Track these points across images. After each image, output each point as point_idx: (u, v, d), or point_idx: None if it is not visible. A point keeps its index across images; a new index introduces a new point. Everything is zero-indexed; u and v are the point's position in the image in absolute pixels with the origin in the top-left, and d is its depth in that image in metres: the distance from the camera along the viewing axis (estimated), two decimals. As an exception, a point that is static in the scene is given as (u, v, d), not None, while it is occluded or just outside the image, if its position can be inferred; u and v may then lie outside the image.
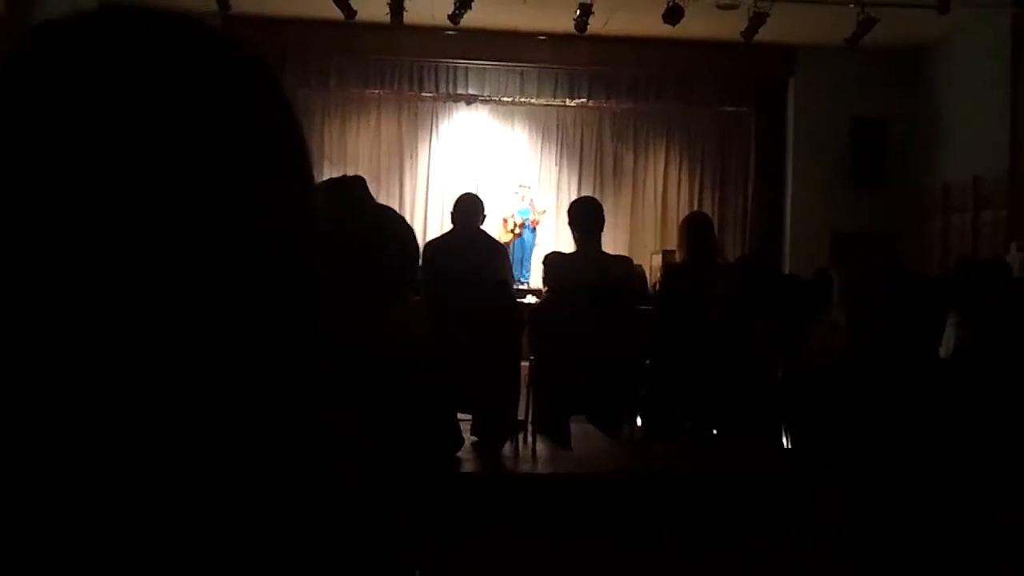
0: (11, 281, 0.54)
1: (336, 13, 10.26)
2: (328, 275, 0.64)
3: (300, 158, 0.65)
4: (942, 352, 5.47)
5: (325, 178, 3.97)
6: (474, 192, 6.22)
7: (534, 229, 12.16)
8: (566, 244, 10.23)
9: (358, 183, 4.06)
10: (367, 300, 3.40)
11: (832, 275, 6.13)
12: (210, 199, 0.57)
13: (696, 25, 10.55)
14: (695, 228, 6.18)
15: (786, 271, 9.88)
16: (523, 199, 12.22)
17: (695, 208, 11.93)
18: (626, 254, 10.47)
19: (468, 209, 5.97)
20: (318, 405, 0.67)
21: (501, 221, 11.66)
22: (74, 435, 0.55)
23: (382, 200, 4.02)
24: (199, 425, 0.57)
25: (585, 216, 5.89)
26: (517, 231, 11.94)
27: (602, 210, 6.00)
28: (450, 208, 6.24)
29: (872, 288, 5.06)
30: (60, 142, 0.55)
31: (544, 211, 12.31)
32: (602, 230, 5.94)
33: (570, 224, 6.00)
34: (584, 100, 12.91)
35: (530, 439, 5.71)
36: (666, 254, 9.99)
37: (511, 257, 10.02)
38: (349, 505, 0.65)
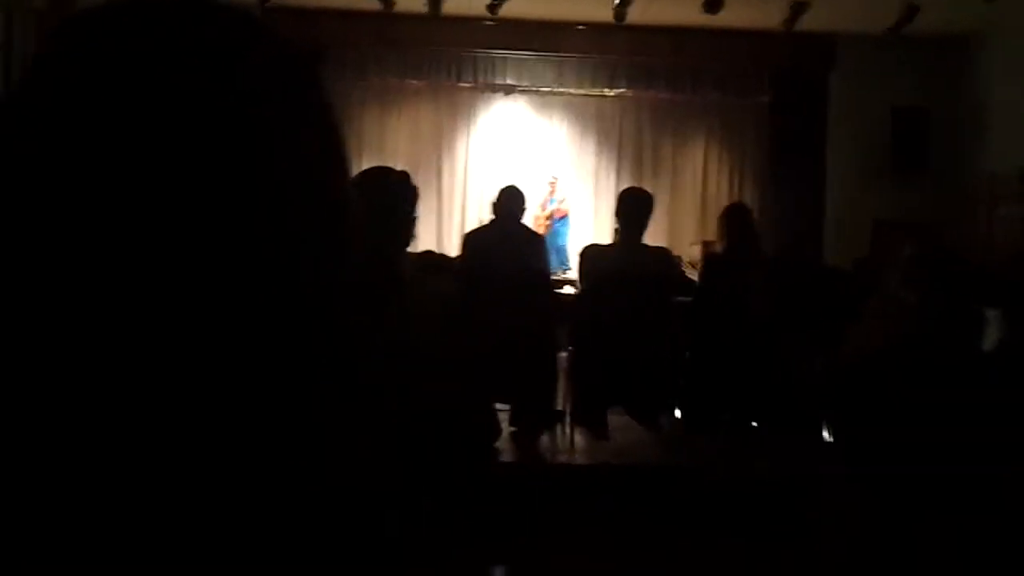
0: (44, 271, 0.54)
1: (374, 4, 10.28)
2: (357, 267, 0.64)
3: (335, 157, 0.64)
4: (986, 346, 5.40)
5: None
6: (516, 184, 6.22)
7: (563, 219, 12.12)
8: (602, 235, 10.20)
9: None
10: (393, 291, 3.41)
11: (877, 265, 6.07)
12: (238, 197, 0.56)
13: (736, 14, 10.46)
14: (735, 219, 6.14)
15: (826, 262, 9.79)
16: (552, 191, 12.20)
17: (734, 198, 11.84)
18: (665, 244, 10.44)
19: (509, 201, 5.98)
20: (342, 398, 0.66)
21: (537, 210, 11.65)
22: (89, 430, 0.54)
23: (421, 190, 4.03)
24: (220, 419, 0.56)
25: (630, 207, 5.89)
26: (548, 222, 11.92)
27: (650, 203, 5.98)
28: (487, 199, 6.25)
29: (926, 275, 5.01)
30: (87, 137, 0.55)
31: (563, 199, 12.24)
32: (646, 223, 5.92)
33: (616, 213, 6.00)
34: (623, 90, 12.83)
35: (568, 430, 5.71)
36: (705, 244, 9.93)
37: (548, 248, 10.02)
38: (366, 501, 0.65)
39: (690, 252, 11.04)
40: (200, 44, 0.59)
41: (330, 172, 0.63)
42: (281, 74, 0.62)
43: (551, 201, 12.11)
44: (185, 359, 0.55)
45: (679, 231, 12.66)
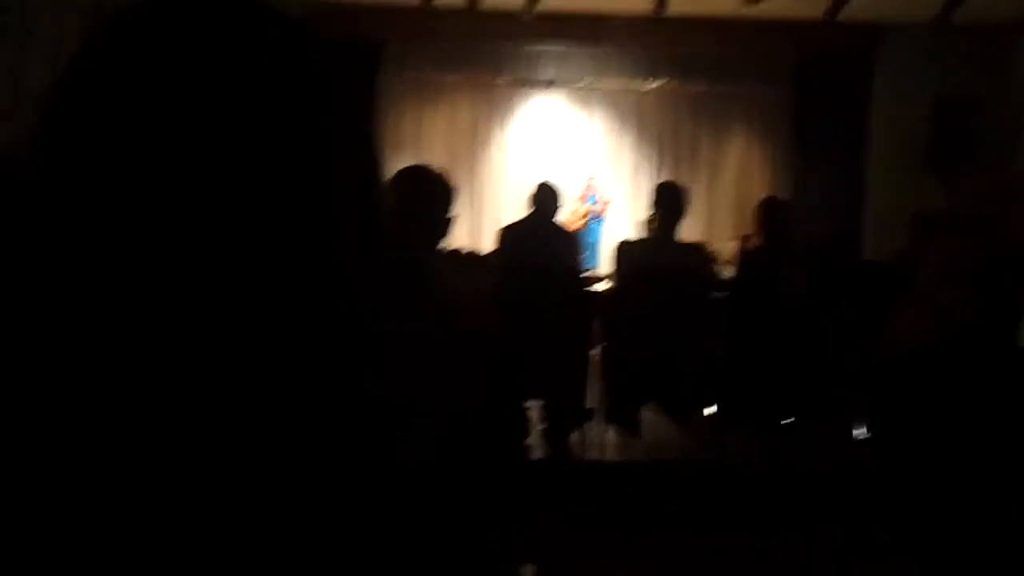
0: (88, 264, 0.55)
1: (413, -1, 10.32)
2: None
3: (373, 164, 0.65)
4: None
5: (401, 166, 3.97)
6: (552, 181, 6.20)
7: (599, 217, 12.11)
8: (641, 231, 10.15)
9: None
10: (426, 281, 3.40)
11: (916, 259, 5.97)
12: (275, 203, 0.57)
13: (778, 4, 10.36)
14: (770, 213, 6.09)
15: (867, 256, 9.67)
16: (589, 188, 12.17)
17: (772, 192, 11.75)
18: (703, 239, 10.37)
19: (545, 197, 5.98)
20: (375, 381, 0.67)
21: (573, 208, 11.64)
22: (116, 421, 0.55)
23: (457, 185, 4.05)
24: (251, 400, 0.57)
25: (667, 200, 5.85)
26: (587, 219, 11.90)
27: (685, 196, 5.94)
28: (524, 195, 6.24)
29: (974, 268, 4.92)
30: (123, 133, 0.55)
31: (609, 200, 12.22)
32: (682, 217, 5.87)
33: (653, 204, 5.97)
34: (663, 83, 12.77)
35: (600, 427, 5.69)
36: (743, 239, 9.87)
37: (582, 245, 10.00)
38: (390, 479, 0.65)
39: (728, 248, 10.97)
40: (250, 45, 0.60)
41: (368, 179, 0.64)
42: (326, 81, 0.62)
43: (590, 199, 12.08)
44: (210, 352, 0.56)
45: (717, 226, 12.57)
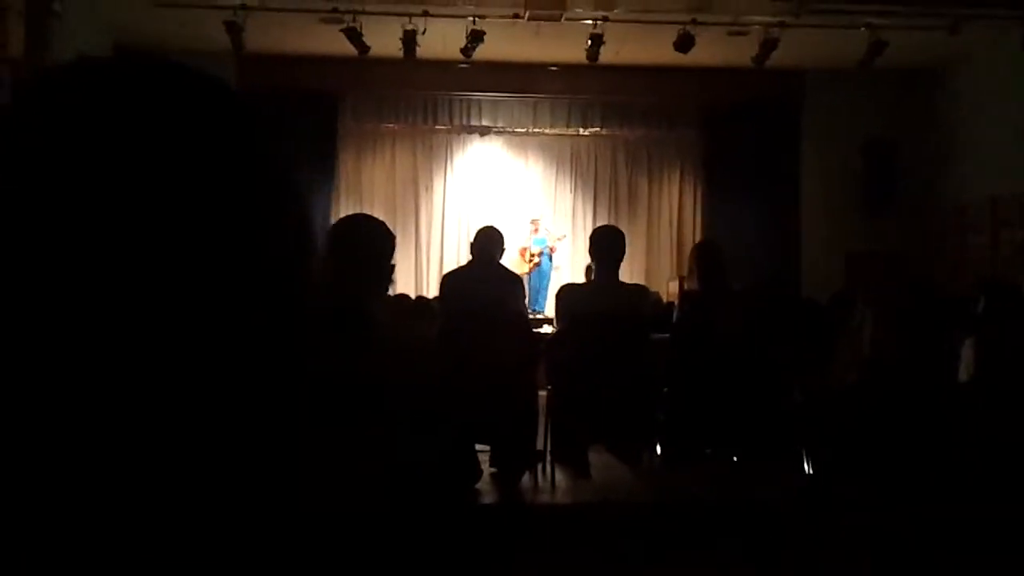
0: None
1: (349, 49, 10.35)
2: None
3: (300, 222, 0.65)
4: (961, 375, 5.45)
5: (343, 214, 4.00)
6: (494, 225, 6.25)
7: (551, 256, 12.18)
8: (583, 271, 10.24)
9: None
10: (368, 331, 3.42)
11: (852, 297, 6.11)
12: (192, 262, 0.57)
13: (707, 52, 10.59)
14: (704, 256, 6.20)
15: (802, 294, 9.86)
16: (536, 230, 12.24)
17: (711, 233, 11.94)
18: (643, 281, 10.47)
19: (487, 242, 6.00)
20: (318, 430, 0.68)
21: (519, 252, 11.69)
22: (60, 443, 0.55)
23: (398, 233, 4.08)
24: (188, 437, 0.57)
25: (603, 245, 5.91)
26: (536, 260, 11.95)
27: (622, 239, 6.00)
28: (466, 240, 6.28)
29: (898, 308, 5.06)
30: (49, 194, 0.55)
31: (563, 236, 12.31)
32: (621, 259, 5.94)
33: (590, 251, 6.03)
34: (597, 129, 12.96)
35: (549, 469, 5.71)
36: (683, 280, 10.00)
37: (529, 287, 10.04)
38: (338, 527, 0.64)
39: (668, 288, 11.10)
40: (171, 110, 0.59)
41: (296, 232, 0.64)
42: (244, 144, 0.63)
43: (536, 241, 12.13)
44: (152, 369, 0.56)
45: (656, 267, 12.75)
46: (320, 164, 11.81)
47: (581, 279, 8.33)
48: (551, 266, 12.12)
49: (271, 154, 0.64)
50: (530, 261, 11.89)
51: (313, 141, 11.56)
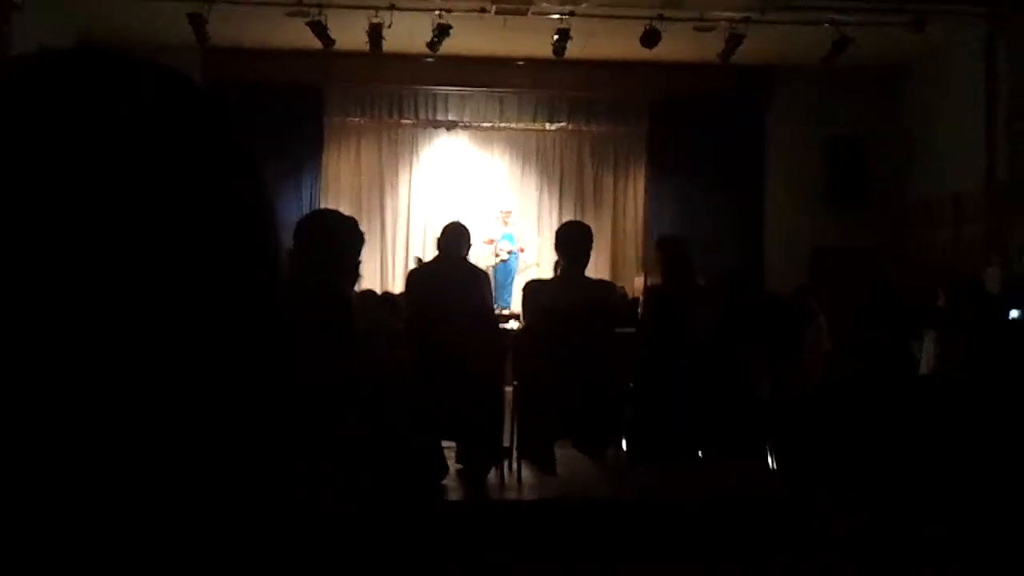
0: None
1: (314, 42, 10.30)
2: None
3: (262, 213, 0.64)
4: (923, 368, 5.51)
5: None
6: (460, 221, 6.23)
7: (519, 255, 12.16)
8: (548, 268, 10.25)
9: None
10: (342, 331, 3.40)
11: (814, 294, 6.16)
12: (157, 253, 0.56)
13: (673, 48, 10.62)
14: (668, 251, 6.21)
15: (767, 289, 9.92)
16: (505, 223, 12.21)
17: (677, 228, 11.97)
18: (608, 276, 10.49)
19: (453, 237, 5.98)
20: (289, 431, 0.67)
21: (484, 244, 11.66)
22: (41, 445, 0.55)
23: (364, 227, 4.07)
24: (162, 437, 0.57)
25: (569, 241, 5.90)
26: (504, 256, 11.92)
27: (589, 235, 5.99)
28: (432, 235, 6.26)
29: (855, 305, 5.10)
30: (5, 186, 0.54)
31: (523, 249, 12.25)
32: (588, 255, 5.93)
33: (556, 247, 6.02)
34: (564, 124, 12.97)
35: (515, 465, 5.70)
36: (647, 275, 10.02)
37: (494, 283, 10.03)
38: (303, 529, 0.65)
39: (634, 283, 11.12)
40: (130, 101, 0.59)
41: (257, 226, 0.63)
42: (204, 134, 0.62)
43: (505, 236, 12.08)
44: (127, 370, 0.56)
45: (622, 262, 12.78)
46: (290, 158, 11.72)
47: (549, 275, 8.33)
48: (518, 265, 12.09)
49: (233, 145, 0.63)
50: (496, 255, 11.86)
51: (282, 135, 11.47)
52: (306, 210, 10.40)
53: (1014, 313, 6.10)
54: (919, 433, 4.34)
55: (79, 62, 0.60)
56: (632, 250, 13.01)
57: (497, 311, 8.11)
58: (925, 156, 11.55)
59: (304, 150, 12.32)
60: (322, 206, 11.51)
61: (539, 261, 12.12)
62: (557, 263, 6.48)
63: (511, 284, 11.63)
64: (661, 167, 13.00)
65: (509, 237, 12.11)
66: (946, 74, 11.21)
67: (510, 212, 12.31)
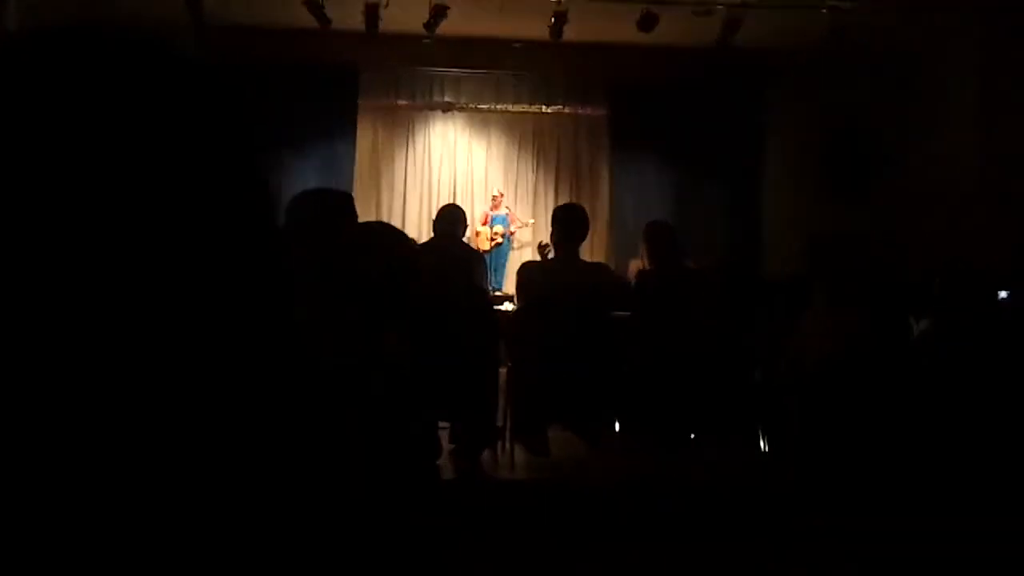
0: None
1: (311, 22, 10.25)
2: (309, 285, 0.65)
3: (255, 183, 0.64)
4: (919, 353, 5.51)
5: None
6: (457, 204, 6.24)
7: (510, 238, 12.20)
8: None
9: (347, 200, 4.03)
10: (348, 313, 3.39)
11: (810, 279, 6.15)
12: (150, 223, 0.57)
13: (671, 31, 10.58)
14: (654, 236, 6.22)
15: (764, 274, 9.93)
16: (496, 206, 12.24)
17: (677, 211, 11.98)
18: (608, 259, 10.48)
19: (449, 219, 5.99)
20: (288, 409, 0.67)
21: (479, 226, 11.68)
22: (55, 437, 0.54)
23: (360, 210, 4.05)
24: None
25: (565, 223, 5.91)
26: (498, 240, 11.95)
27: (585, 218, 6.01)
28: (427, 217, 6.26)
29: (852, 291, 5.11)
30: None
31: (518, 227, 12.30)
32: (583, 238, 5.95)
33: (552, 229, 6.03)
34: (560, 107, 12.94)
35: (508, 447, 5.71)
36: (640, 260, 10.03)
37: (488, 264, 10.04)
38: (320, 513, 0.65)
39: (631, 267, 11.12)
40: (120, 78, 0.59)
41: (249, 198, 0.63)
42: (196, 110, 0.62)
43: (496, 219, 12.12)
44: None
45: (621, 246, 12.78)
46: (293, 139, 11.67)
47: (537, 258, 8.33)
48: (510, 246, 12.12)
49: (225, 119, 0.63)
50: (491, 239, 11.88)
51: (290, 116, 11.40)
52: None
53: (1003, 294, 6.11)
54: (915, 418, 4.34)
55: (66, 40, 0.60)
56: (627, 234, 12.99)
57: (491, 293, 8.11)
58: (926, 142, 11.52)
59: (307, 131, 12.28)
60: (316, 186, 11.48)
61: (532, 244, 12.14)
62: (544, 246, 6.50)
63: (504, 266, 11.66)
64: (659, 151, 12.95)
65: (501, 219, 12.14)
66: (952, 58, 11.18)
67: (502, 195, 12.32)
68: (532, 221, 12.34)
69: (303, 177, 11.07)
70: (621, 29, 10.73)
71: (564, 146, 13.20)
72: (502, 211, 12.22)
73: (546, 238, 6.54)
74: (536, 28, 10.85)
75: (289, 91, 11.68)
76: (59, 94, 0.57)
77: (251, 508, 0.60)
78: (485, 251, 11.16)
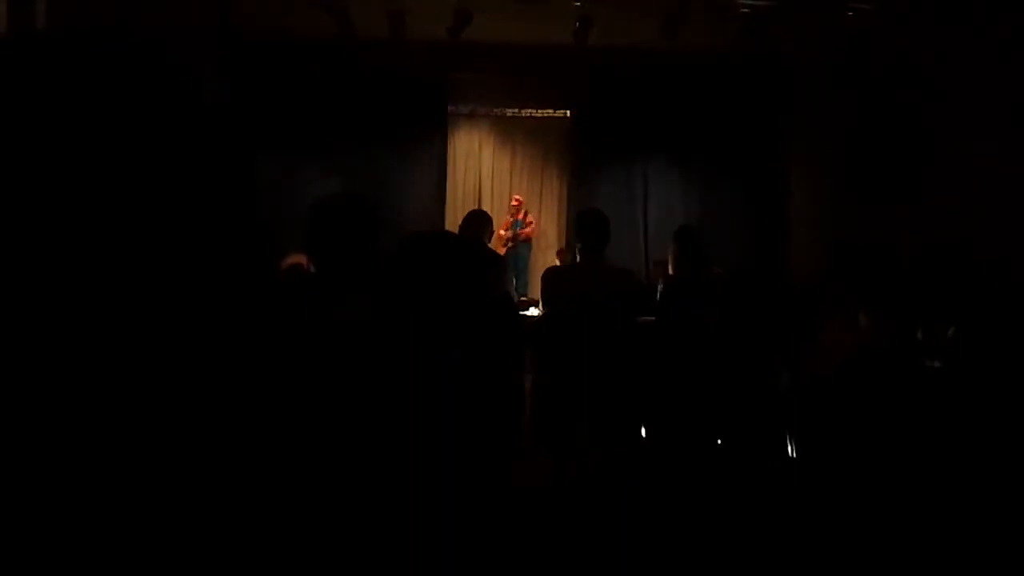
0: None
1: (334, 29, 10.29)
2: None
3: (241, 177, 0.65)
4: (944, 360, 5.47)
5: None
6: (482, 209, 6.26)
7: (528, 240, 12.18)
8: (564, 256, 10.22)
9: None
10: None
11: (835, 285, 6.13)
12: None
13: (695, 35, 10.56)
14: (682, 242, 6.20)
15: (789, 280, 9.88)
16: (516, 213, 12.25)
17: (703, 219, 11.93)
18: (637, 265, 10.45)
19: (474, 225, 6.01)
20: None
21: (503, 232, 11.69)
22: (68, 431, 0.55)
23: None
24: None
25: (588, 228, 5.90)
26: (510, 244, 11.94)
27: (607, 222, 6.01)
28: (450, 222, 6.28)
29: (877, 297, 5.07)
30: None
31: (531, 222, 12.30)
32: (606, 242, 5.94)
33: (575, 234, 6.03)
34: (584, 111, 12.92)
35: (533, 452, 5.71)
36: (664, 266, 10.00)
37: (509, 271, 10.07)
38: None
39: (655, 273, 11.09)
40: (103, 81, 0.60)
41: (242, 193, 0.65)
42: (183, 111, 0.63)
43: (517, 223, 12.13)
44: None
45: (652, 251, 12.73)
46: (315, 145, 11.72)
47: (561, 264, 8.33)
48: (529, 250, 12.12)
49: (207, 117, 0.64)
50: (506, 245, 11.88)
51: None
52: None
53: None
54: (940, 426, 4.32)
55: (54, 44, 0.61)
56: (652, 240, 12.96)
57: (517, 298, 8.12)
58: (955, 146, 11.43)
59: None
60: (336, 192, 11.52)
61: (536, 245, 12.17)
62: (560, 251, 6.51)
63: (525, 271, 11.66)
64: (686, 156, 12.90)
65: (518, 224, 12.16)
66: (971, 65, 11.09)
67: (520, 200, 12.32)
68: (531, 222, 12.30)
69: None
70: (646, 33, 10.73)
71: (588, 151, 13.17)
72: (519, 216, 12.22)
73: (560, 241, 6.54)
74: (561, 34, 10.85)
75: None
76: (36, 98, 0.58)
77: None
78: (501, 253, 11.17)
